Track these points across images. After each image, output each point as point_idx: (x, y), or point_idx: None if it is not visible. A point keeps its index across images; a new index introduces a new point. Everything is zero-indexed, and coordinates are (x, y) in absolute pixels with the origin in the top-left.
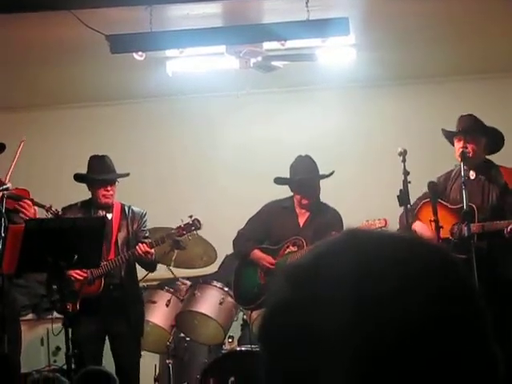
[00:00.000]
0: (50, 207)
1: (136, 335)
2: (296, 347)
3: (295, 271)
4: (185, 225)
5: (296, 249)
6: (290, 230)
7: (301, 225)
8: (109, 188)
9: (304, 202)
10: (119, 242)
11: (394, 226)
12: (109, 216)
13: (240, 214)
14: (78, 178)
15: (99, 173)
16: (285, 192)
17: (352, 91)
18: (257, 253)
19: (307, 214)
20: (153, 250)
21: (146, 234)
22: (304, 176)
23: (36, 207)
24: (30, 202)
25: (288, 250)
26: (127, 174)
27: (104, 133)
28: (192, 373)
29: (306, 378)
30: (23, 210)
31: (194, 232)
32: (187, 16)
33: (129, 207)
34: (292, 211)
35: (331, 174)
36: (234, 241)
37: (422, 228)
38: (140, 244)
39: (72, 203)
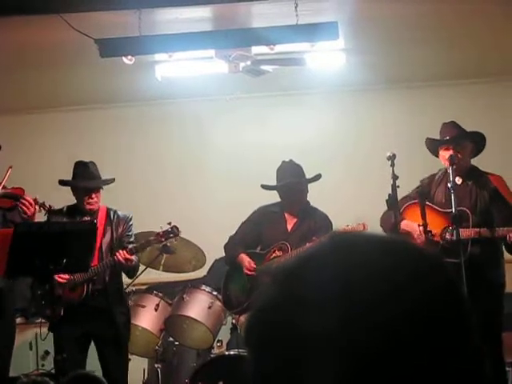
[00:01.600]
0: (43, 203)
1: (122, 340)
2: (282, 348)
3: (282, 274)
4: (163, 232)
5: (281, 253)
6: (279, 235)
7: (289, 230)
8: (93, 195)
9: (291, 206)
10: (103, 248)
11: (376, 229)
12: (83, 220)
13: (229, 218)
14: (63, 184)
15: (83, 180)
16: (275, 196)
17: (341, 95)
18: (243, 257)
19: (295, 218)
20: (133, 257)
21: (131, 239)
22: (289, 181)
23: (37, 207)
24: (31, 201)
25: (274, 255)
26: (112, 180)
27: (93, 136)
28: (181, 377)
29: (292, 378)
30: (24, 209)
31: (173, 239)
32: (176, 20)
33: (114, 212)
34: (281, 216)
35: (317, 177)
36: (224, 246)
37: (408, 226)
38: (120, 251)
39: (57, 208)
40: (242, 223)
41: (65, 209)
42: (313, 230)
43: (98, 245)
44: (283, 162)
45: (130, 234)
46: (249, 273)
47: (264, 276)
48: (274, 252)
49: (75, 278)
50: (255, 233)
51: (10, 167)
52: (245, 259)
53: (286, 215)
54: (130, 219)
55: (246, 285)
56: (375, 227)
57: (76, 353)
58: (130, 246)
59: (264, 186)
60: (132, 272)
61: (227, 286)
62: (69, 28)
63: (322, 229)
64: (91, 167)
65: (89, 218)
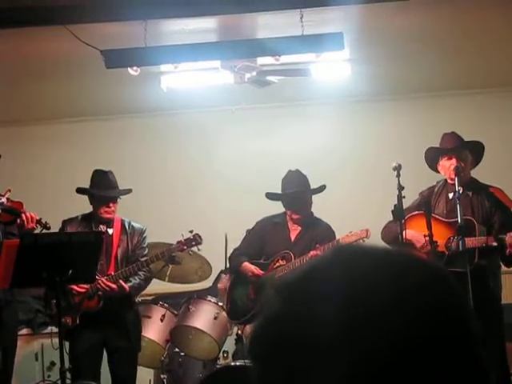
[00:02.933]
0: (40, 219)
1: (134, 350)
2: (286, 359)
3: (285, 285)
4: (186, 240)
5: (284, 262)
6: (282, 245)
7: (292, 239)
8: (111, 205)
9: (295, 216)
10: (119, 257)
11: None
12: (109, 231)
13: (235, 228)
14: (80, 192)
15: (102, 189)
16: (279, 206)
17: (347, 106)
18: (246, 265)
19: (299, 228)
20: (114, 285)
21: (145, 252)
22: (294, 190)
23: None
24: (33, 216)
25: (277, 264)
26: (130, 191)
27: (98, 147)
28: None
29: None
30: (25, 222)
31: (196, 247)
32: (182, 31)
33: (129, 223)
34: (284, 226)
35: (322, 187)
36: (229, 257)
37: (413, 236)
38: (100, 280)
39: (73, 216)
40: (245, 235)
41: (79, 217)
42: (316, 240)
43: (114, 254)
44: (289, 171)
45: (145, 246)
46: (256, 272)
47: (268, 285)
48: (278, 261)
49: (92, 286)
50: (259, 244)
51: (9, 190)
52: (249, 267)
53: (290, 225)
54: (144, 231)
55: (250, 295)
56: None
57: (91, 362)
58: (144, 259)
59: (268, 195)
60: (123, 297)
61: (231, 297)
62: (74, 39)
63: (325, 239)
64: (110, 176)
65: (104, 227)
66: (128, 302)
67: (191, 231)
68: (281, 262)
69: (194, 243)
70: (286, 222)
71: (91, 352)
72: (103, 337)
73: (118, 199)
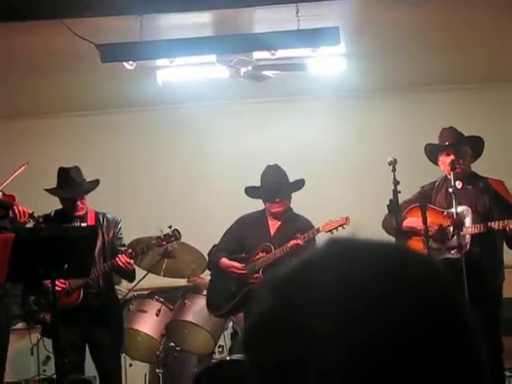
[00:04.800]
0: (32, 213)
1: (117, 344)
2: (281, 348)
3: (276, 279)
4: (164, 236)
5: (264, 254)
6: (262, 239)
7: (272, 234)
8: (78, 203)
9: (275, 210)
10: (95, 252)
11: (377, 234)
12: (83, 225)
13: (231, 223)
14: (47, 192)
15: (65, 188)
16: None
17: (342, 101)
18: (224, 261)
19: (278, 223)
20: (132, 261)
21: (122, 242)
22: (271, 181)
23: (30, 219)
24: (25, 210)
25: (258, 257)
26: (96, 184)
27: (94, 142)
28: (182, 382)
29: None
30: (17, 216)
31: (174, 243)
32: (178, 25)
33: (103, 215)
34: (263, 222)
35: (300, 182)
36: (208, 253)
37: (412, 222)
38: (120, 255)
39: (47, 213)
40: (225, 232)
41: (52, 214)
42: (295, 232)
43: None
44: (268, 165)
45: (121, 236)
46: (241, 272)
47: (250, 277)
48: (258, 254)
49: (70, 283)
50: (238, 240)
51: (25, 165)
52: (228, 262)
53: (269, 220)
54: (119, 222)
55: (231, 288)
56: (377, 232)
57: (74, 356)
58: (123, 248)
59: (248, 190)
60: (131, 276)
61: (211, 291)
62: (70, 33)
63: (305, 231)
64: (73, 174)
65: (78, 223)
66: (109, 296)
67: (170, 226)
68: (261, 254)
69: (173, 239)
70: (265, 217)
71: (73, 347)
72: (84, 331)
73: (93, 193)
